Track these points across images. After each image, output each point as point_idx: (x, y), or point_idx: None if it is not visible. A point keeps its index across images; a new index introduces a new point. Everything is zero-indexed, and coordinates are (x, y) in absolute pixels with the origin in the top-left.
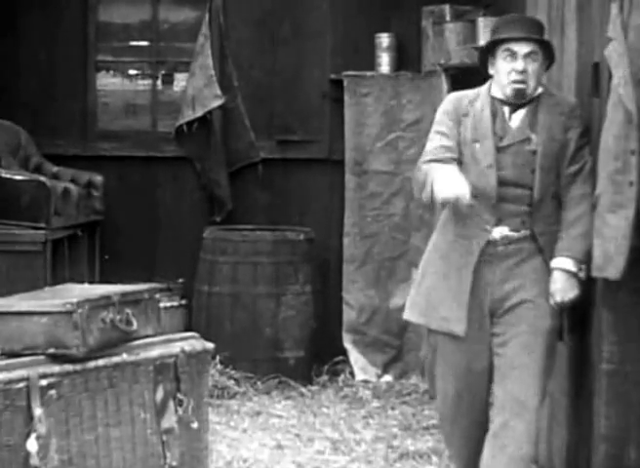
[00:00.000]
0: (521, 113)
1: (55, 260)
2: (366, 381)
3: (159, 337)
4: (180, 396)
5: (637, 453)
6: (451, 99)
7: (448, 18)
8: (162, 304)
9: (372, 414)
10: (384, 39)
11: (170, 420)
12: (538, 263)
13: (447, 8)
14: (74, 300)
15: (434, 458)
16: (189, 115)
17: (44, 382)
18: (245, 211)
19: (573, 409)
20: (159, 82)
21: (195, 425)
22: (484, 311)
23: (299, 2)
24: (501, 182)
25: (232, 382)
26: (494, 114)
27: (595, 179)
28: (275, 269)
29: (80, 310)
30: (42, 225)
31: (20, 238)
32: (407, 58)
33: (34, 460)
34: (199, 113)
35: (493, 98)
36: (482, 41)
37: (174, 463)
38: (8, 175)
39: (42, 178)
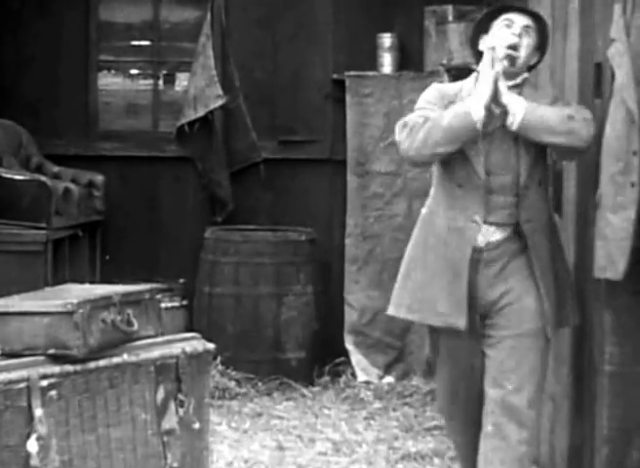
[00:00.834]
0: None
1: (55, 260)
2: (367, 382)
3: (160, 338)
4: (180, 397)
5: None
6: (436, 87)
7: (450, 17)
8: (163, 305)
9: (373, 416)
10: (387, 39)
11: (171, 421)
12: (522, 262)
13: (449, 8)
14: (75, 301)
15: (436, 460)
16: (191, 115)
17: (44, 383)
18: (246, 211)
19: (575, 411)
20: (160, 82)
21: (196, 426)
22: (476, 310)
23: (301, 2)
24: (491, 170)
25: (233, 383)
26: None
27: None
28: (277, 270)
29: (81, 310)
30: (43, 225)
31: (20, 238)
32: (409, 59)
33: (35, 461)
34: (201, 113)
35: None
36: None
37: (174, 464)
38: (9, 175)
39: (43, 178)
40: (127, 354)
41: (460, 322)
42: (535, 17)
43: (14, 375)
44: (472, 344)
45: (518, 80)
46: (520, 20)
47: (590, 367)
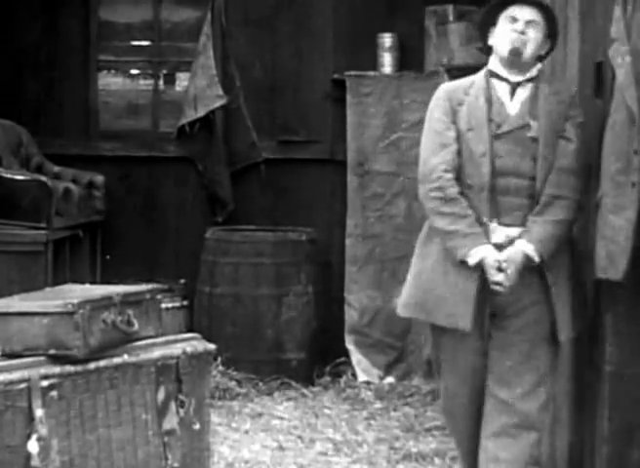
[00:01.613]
0: (521, 97)
1: (56, 261)
2: (368, 383)
3: (160, 338)
4: (181, 397)
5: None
6: (444, 90)
7: (451, 18)
8: (163, 305)
9: (374, 416)
10: (387, 39)
11: (171, 421)
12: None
13: (450, 8)
14: (75, 301)
15: (437, 460)
16: (191, 115)
17: (45, 383)
18: (247, 211)
19: (575, 411)
20: (161, 82)
21: (197, 426)
22: (485, 310)
23: (301, 2)
24: (499, 172)
25: (234, 383)
26: (489, 101)
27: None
28: (277, 270)
29: (81, 311)
30: (43, 225)
31: (20, 238)
32: (409, 59)
33: (35, 461)
34: (201, 113)
35: (488, 77)
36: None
37: (175, 464)
38: (9, 175)
39: (43, 178)
40: (127, 354)
41: (465, 323)
42: (540, 6)
43: (14, 376)
44: (477, 345)
45: (533, 72)
46: (524, 15)
47: (591, 367)
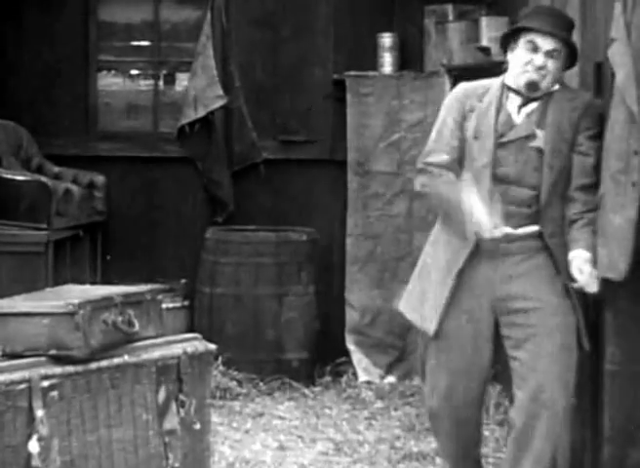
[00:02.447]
0: (529, 108)
1: (56, 261)
2: (369, 382)
3: (161, 339)
4: (182, 397)
5: None
6: (460, 92)
7: (451, 17)
8: (164, 305)
9: (375, 416)
10: (387, 39)
11: (172, 421)
12: (541, 260)
13: (450, 7)
14: (76, 301)
15: (437, 460)
16: (191, 116)
17: (45, 383)
18: (247, 211)
19: (577, 411)
20: (161, 82)
21: (197, 426)
22: (483, 309)
23: (301, 2)
24: (502, 180)
25: (235, 383)
26: (498, 110)
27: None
28: (278, 270)
29: (82, 311)
30: (43, 226)
31: (21, 239)
32: (409, 58)
33: (36, 462)
34: (201, 114)
35: (504, 88)
36: (484, 41)
37: (176, 465)
38: (9, 176)
39: (43, 179)
40: (128, 355)
41: (430, 326)
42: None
43: (15, 376)
44: (467, 347)
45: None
46: (545, 45)
47: (592, 366)
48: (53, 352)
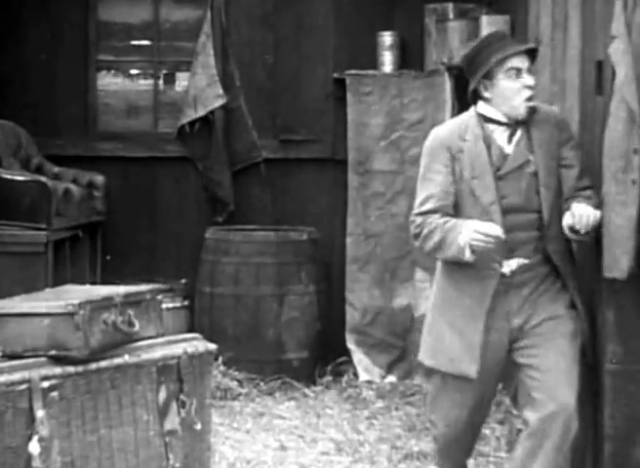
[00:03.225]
0: (517, 136)
1: (56, 261)
2: (370, 382)
3: (161, 339)
4: (182, 397)
5: None
6: (439, 139)
7: (451, 16)
8: (164, 305)
9: (375, 415)
10: (387, 38)
11: (172, 422)
12: (551, 282)
13: (450, 6)
14: (76, 302)
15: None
16: (191, 115)
17: (46, 384)
18: (247, 211)
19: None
20: (161, 82)
21: (198, 426)
22: (503, 343)
23: (301, 1)
24: (509, 210)
25: (235, 383)
26: (488, 145)
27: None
28: (278, 270)
29: (82, 311)
30: (43, 226)
31: (21, 239)
32: (410, 57)
33: (36, 462)
34: (201, 113)
35: (485, 123)
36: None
37: (177, 465)
38: (9, 176)
39: (43, 179)
40: (128, 355)
41: (472, 369)
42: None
43: (15, 377)
44: (484, 384)
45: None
46: (523, 63)
47: (593, 365)
48: (53, 352)
